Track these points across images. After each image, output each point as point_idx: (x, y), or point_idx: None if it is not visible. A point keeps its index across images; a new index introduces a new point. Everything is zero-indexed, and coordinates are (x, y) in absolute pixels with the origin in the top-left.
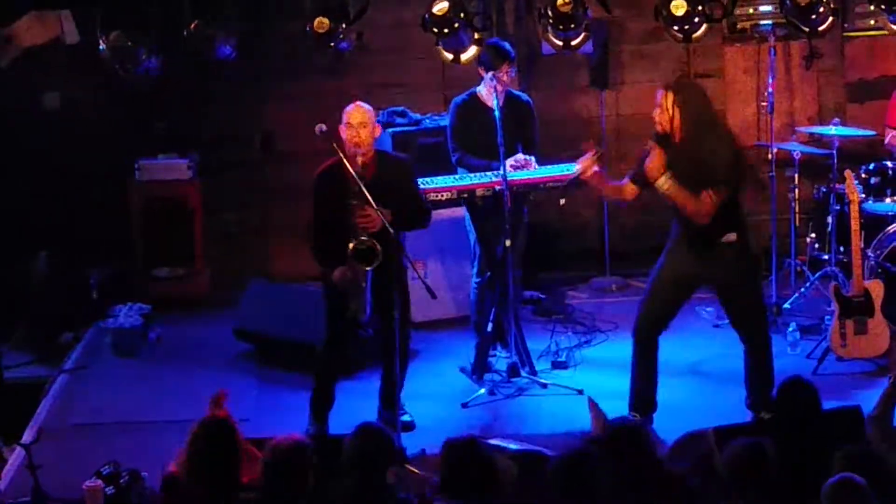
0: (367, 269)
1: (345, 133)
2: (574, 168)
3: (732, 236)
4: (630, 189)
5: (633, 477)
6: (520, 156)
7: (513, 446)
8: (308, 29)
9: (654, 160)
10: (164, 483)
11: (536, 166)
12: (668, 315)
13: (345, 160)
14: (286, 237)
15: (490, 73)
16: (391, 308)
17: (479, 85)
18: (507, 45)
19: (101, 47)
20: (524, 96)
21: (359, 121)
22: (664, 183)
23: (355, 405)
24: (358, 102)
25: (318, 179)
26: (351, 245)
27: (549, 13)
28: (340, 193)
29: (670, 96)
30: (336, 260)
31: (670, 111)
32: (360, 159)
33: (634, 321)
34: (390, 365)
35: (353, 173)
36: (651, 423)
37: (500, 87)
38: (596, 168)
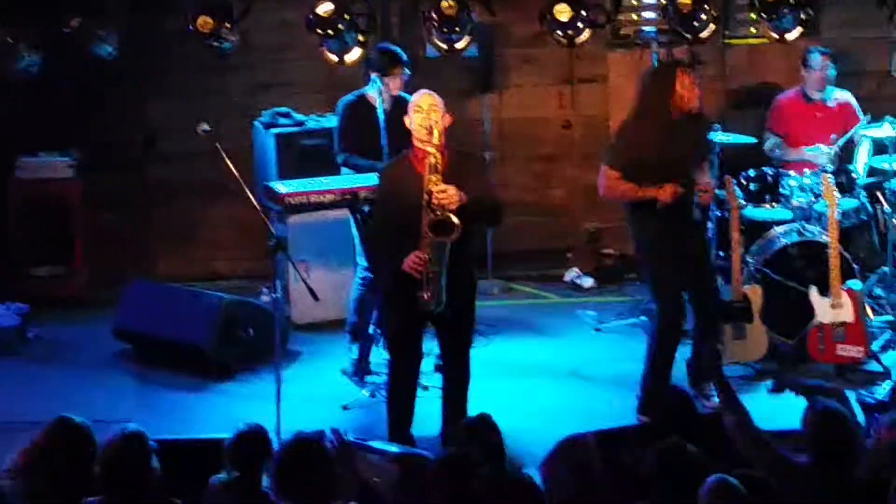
0: (447, 241)
1: (414, 121)
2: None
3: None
4: None
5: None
6: None
7: (393, 449)
8: (191, 27)
9: None
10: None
11: None
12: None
13: (415, 154)
14: (167, 237)
15: (378, 76)
16: (463, 305)
17: (367, 86)
18: (399, 50)
19: None
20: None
21: (429, 104)
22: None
23: (237, 407)
24: (423, 90)
25: (383, 176)
26: (427, 219)
27: (434, 16)
28: (410, 187)
29: (693, 76)
30: (402, 255)
31: (697, 90)
32: (433, 146)
33: (664, 316)
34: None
35: (429, 153)
36: None
37: (387, 92)
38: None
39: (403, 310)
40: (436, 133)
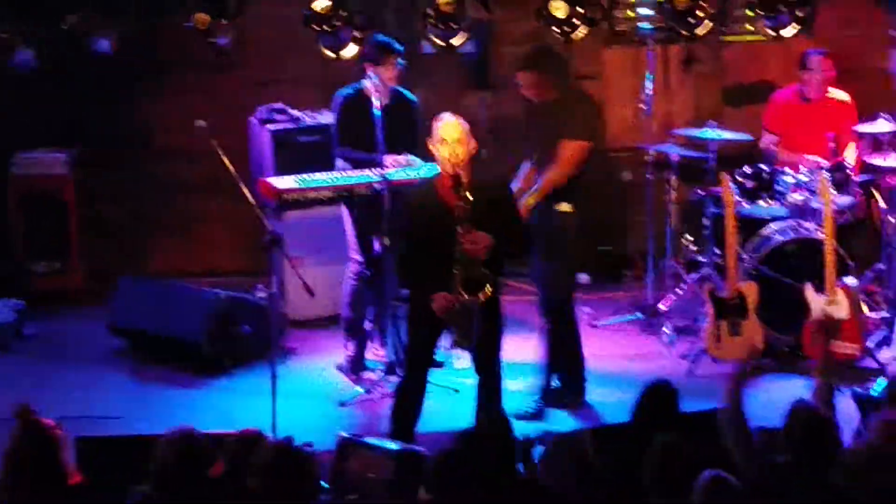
0: (477, 300)
1: (439, 151)
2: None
3: (565, 206)
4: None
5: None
6: (401, 157)
7: (390, 445)
8: (188, 24)
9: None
10: None
11: (419, 163)
12: None
13: (442, 179)
14: (164, 233)
15: (373, 69)
16: (490, 337)
17: (365, 79)
18: (391, 40)
19: None
20: (410, 95)
21: (456, 137)
22: (530, 200)
23: (232, 403)
24: (448, 115)
25: (410, 204)
26: (459, 273)
27: (431, 13)
28: (436, 215)
29: (534, 75)
30: (431, 284)
31: (539, 87)
32: (462, 178)
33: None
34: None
35: (460, 196)
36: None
37: (382, 86)
38: None
39: (427, 329)
40: (463, 178)
